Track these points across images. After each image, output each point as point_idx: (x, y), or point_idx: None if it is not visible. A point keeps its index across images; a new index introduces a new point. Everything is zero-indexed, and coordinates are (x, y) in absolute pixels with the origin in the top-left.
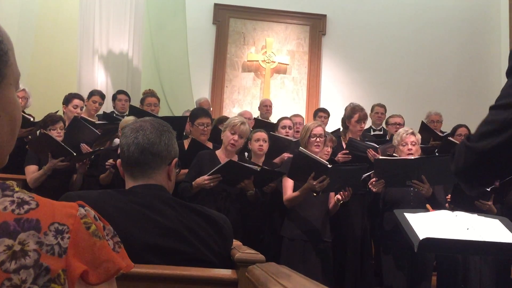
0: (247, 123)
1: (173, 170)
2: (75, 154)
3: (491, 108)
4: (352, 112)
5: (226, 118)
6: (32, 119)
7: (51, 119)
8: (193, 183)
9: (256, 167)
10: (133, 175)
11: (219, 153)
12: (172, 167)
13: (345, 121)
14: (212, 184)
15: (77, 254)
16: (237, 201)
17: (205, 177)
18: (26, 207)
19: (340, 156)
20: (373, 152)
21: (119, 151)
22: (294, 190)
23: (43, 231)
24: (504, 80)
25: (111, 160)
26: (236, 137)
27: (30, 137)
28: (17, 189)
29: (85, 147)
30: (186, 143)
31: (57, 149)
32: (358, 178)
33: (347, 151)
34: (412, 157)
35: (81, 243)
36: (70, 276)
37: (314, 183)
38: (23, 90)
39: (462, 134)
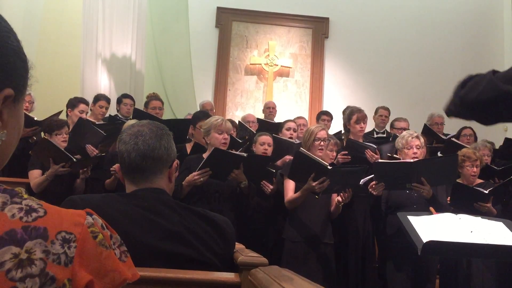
0: (226, 119)
1: (173, 172)
2: (75, 160)
3: None
4: (351, 114)
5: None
6: (35, 119)
7: (56, 124)
8: (183, 182)
9: (243, 153)
10: (135, 181)
11: (206, 155)
12: (173, 170)
13: (346, 124)
14: (202, 179)
15: (83, 263)
16: (229, 201)
17: (195, 173)
18: (34, 215)
19: (339, 157)
20: (371, 152)
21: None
22: (295, 192)
23: (50, 240)
24: None
25: (115, 166)
26: (225, 135)
27: (35, 137)
28: (25, 196)
29: (90, 148)
30: (188, 146)
31: (58, 155)
32: (358, 179)
33: (346, 152)
34: (411, 160)
35: (88, 253)
36: (76, 286)
37: (314, 184)
38: (29, 94)
39: (467, 135)
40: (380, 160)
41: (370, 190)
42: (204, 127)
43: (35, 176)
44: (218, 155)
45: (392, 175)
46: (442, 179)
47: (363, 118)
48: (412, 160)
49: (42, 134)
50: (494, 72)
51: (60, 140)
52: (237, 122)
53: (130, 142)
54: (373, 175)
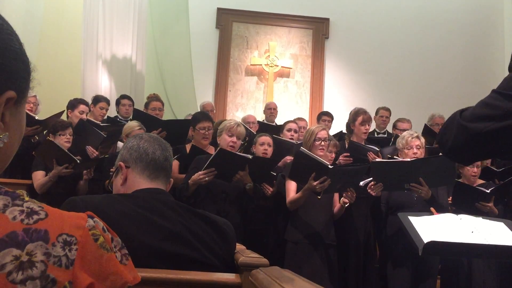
0: (241, 124)
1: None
2: (78, 161)
3: (495, 92)
4: (356, 115)
5: None
6: (36, 118)
7: (61, 125)
8: (189, 181)
9: (248, 155)
10: (152, 176)
11: None
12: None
13: (349, 125)
14: (207, 178)
15: (84, 266)
16: (236, 202)
17: (200, 172)
18: (35, 217)
19: (341, 159)
20: (373, 155)
21: (124, 152)
22: (297, 193)
23: (51, 242)
24: None
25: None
26: (234, 139)
27: (37, 137)
28: (27, 198)
29: (90, 150)
30: (188, 147)
31: (62, 156)
32: (359, 178)
33: (348, 154)
34: (409, 159)
35: (89, 255)
36: None
37: (315, 184)
38: (34, 96)
39: None
40: (377, 160)
41: (368, 190)
42: (219, 127)
43: (39, 177)
44: (223, 155)
45: (390, 174)
46: (440, 179)
47: (368, 120)
48: (409, 159)
49: (44, 132)
50: (462, 111)
51: (64, 140)
52: None
53: (153, 142)
54: (371, 178)
